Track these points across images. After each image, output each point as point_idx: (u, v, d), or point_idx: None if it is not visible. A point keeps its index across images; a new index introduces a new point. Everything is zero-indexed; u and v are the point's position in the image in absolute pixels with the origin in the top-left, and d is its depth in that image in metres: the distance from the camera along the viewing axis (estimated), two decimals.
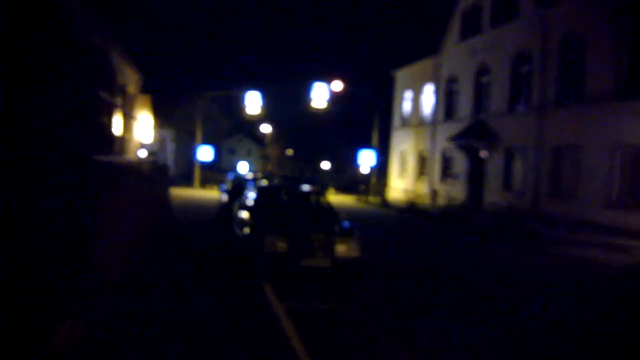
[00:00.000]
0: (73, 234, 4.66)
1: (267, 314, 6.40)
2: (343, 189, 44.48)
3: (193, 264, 9.29)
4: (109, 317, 5.72)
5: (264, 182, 12.90)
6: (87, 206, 4.85)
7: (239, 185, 15.50)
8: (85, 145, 5.35)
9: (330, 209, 10.26)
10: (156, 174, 13.52)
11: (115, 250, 6.59)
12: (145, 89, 36.90)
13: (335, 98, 36.76)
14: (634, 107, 17.28)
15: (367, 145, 36.56)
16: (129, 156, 24.01)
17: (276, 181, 15.55)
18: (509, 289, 9.20)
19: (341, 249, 8.17)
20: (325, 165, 70.48)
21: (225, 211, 14.92)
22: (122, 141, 22.80)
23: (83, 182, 4.79)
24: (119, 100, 20.18)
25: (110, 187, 6.03)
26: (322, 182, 46.36)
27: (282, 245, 8.03)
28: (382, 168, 39.62)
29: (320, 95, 34.35)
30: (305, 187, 11.95)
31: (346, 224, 9.16)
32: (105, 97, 10.19)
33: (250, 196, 10.86)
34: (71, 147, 4.90)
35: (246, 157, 78.82)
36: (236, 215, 10.42)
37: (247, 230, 8.87)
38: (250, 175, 19.21)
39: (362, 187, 37.07)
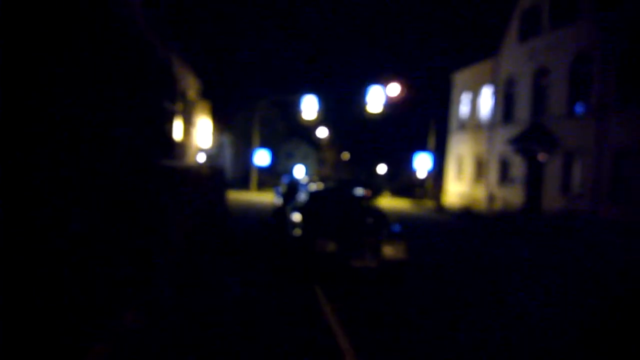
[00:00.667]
0: (144, 231, 5.09)
1: (315, 311, 6.67)
2: (399, 192, 44.42)
3: (248, 263, 9.71)
4: (170, 307, 6.14)
5: (318, 186, 13.18)
6: (155, 206, 5.29)
7: (293, 188, 15.88)
8: (152, 152, 5.79)
9: (379, 213, 10.44)
10: (214, 178, 14.05)
11: (178, 248, 7.04)
12: (204, 94, 38.07)
13: (391, 101, 36.73)
14: None
15: (423, 148, 36.43)
16: (189, 161, 24.88)
17: (331, 184, 15.83)
18: (554, 298, 9.11)
19: (388, 251, 8.36)
20: (382, 168, 70.40)
21: (279, 214, 15.31)
22: (182, 146, 23.67)
23: (151, 186, 5.24)
24: (179, 106, 20.99)
25: (174, 190, 6.47)
26: (378, 185, 46.46)
27: (331, 247, 8.31)
28: (438, 172, 39.34)
29: (376, 99, 34.46)
30: (357, 191, 12.17)
31: (395, 227, 9.32)
32: (168, 105, 10.71)
33: (303, 199, 11.20)
34: (141, 154, 5.33)
35: (303, 160, 79.58)
36: (289, 217, 10.74)
37: (298, 231, 9.17)
38: (304, 179, 19.58)
39: (418, 190, 36.96)
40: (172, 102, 18.15)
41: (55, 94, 3.45)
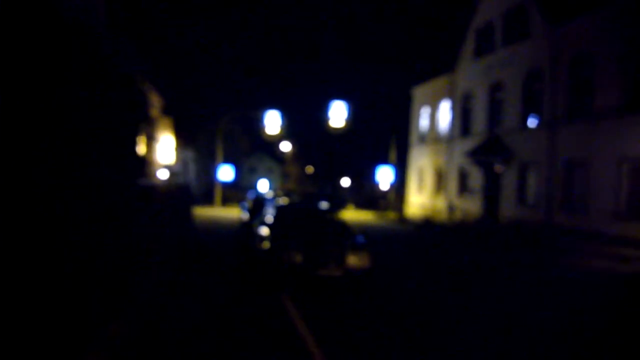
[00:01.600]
0: (124, 243, 5.46)
1: (283, 318, 7.08)
2: (363, 205, 45.12)
3: (218, 275, 10.04)
4: (152, 314, 6.49)
5: (283, 201, 13.58)
6: (133, 220, 5.69)
7: (259, 203, 16.25)
8: (126, 171, 6.16)
9: (343, 225, 10.92)
10: (181, 195, 14.34)
11: (153, 258, 7.38)
12: (166, 111, 38.06)
13: (354, 116, 37.51)
14: (637, 122, 17.77)
15: (385, 161, 37.21)
16: (151, 178, 24.99)
17: (295, 199, 16.24)
18: (509, 296, 9.73)
19: (352, 260, 8.84)
20: (346, 182, 71.23)
21: (246, 228, 15.63)
22: (146, 163, 23.79)
23: (129, 202, 5.63)
24: (142, 125, 21.19)
25: (147, 204, 6.83)
26: (342, 198, 47.07)
27: (298, 258, 8.74)
28: (400, 184, 40.23)
29: (338, 114, 35.12)
30: (321, 205, 12.64)
31: (359, 238, 9.81)
32: (137, 126, 11.07)
33: (270, 214, 11.59)
34: (117, 174, 5.69)
35: (267, 175, 79.80)
36: (257, 231, 11.11)
37: (267, 244, 9.56)
38: (270, 194, 19.98)
39: (381, 203, 37.72)
40: (140, 122, 18.39)
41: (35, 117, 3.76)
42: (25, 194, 3.46)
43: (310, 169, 79.71)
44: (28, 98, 3.53)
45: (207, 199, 40.09)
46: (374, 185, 45.09)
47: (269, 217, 11.26)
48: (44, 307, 3.70)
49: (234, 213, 28.22)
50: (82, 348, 4.42)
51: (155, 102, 32.85)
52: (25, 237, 3.44)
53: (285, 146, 66.16)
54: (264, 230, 10.24)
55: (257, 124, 45.36)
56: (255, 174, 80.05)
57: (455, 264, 13.89)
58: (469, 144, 28.52)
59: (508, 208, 24.90)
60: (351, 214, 34.17)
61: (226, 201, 38.61)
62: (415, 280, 11.13)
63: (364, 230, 20.90)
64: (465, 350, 6.33)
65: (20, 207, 3.37)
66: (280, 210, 11.65)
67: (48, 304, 3.76)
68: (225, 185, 40.55)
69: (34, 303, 3.56)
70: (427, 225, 24.87)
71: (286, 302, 8.04)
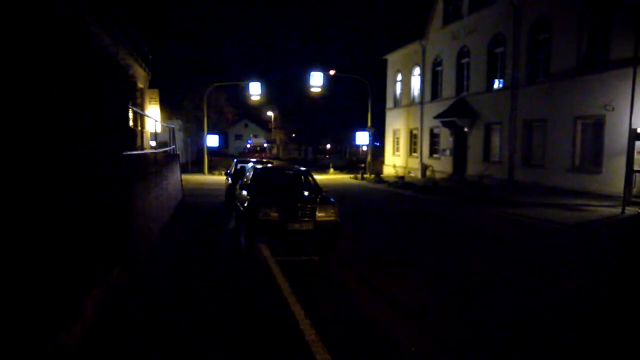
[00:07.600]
0: (119, 206, 6.88)
1: (262, 264, 8.92)
2: (343, 167, 46.88)
3: (207, 231, 11.85)
4: (148, 267, 8.26)
5: (264, 165, 15.20)
6: (125, 188, 7.07)
7: (242, 169, 17.93)
8: (119, 143, 7.24)
9: (314, 185, 12.61)
10: (169, 162, 16.01)
11: (146, 219, 9.06)
12: (153, 83, 39.09)
13: (334, 82, 38.92)
14: (589, 82, 19.58)
15: (364, 125, 38.87)
16: (142, 148, 26.33)
17: (277, 163, 17.84)
18: (460, 242, 11.64)
19: (321, 214, 10.43)
20: (328, 146, 72.84)
21: (230, 192, 17.33)
22: (136, 135, 25.20)
23: (121, 169, 7.04)
24: (130, 98, 22.47)
25: (139, 172, 8.36)
26: (323, 162, 48.69)
27: (273, 214, 10.40)
28: (379, 147, 41.98)
29: (317, 81, 36.55)
30: (298, 168, 14.33)
31: (328, 196, 11.50)
32: (127, 101, 12.44)
33: (249, 177, 13.25)
34: (110, 146, 6.56)
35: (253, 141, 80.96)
36: (238, 193, 12.78)
37: (246, 204, 11.25)
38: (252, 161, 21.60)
39: (361, 165, 39.57)
40: (128, 96, 19.70)
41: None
42: (34, 171, 3.99)
43: (294, 135, 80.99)
44: (14, 82, 3.62)
45: (196, 167, 41.63)
46: (354, 148, 46.69)
47: (248, 180, 12.92)
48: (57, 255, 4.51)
49: (221, 179, 29.86)
50: (91, 287, 5.62)
51: (141, 75, 33.99)
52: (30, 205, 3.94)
53: (270, 114, 67.54)
54: (244, 192, 11.93)
55: (242, 93, 46.66)
56: (242, 141, 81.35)
57: (414, 216, 15.81)
58: (439, 107, 30.26)
59: (474, 166, 26.83)
60: (331, 176, 36.00)
61: (213, 168, 40.19)
62: (376, 227, 13.02)
63: (341, 190, 22.76)
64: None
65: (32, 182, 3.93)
66: (258, 174, 13.29)
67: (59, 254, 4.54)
68: (213, 152, 42.05)
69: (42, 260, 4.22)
70: (399, 184, 26.74)
71: (262, 249, 9.88)
